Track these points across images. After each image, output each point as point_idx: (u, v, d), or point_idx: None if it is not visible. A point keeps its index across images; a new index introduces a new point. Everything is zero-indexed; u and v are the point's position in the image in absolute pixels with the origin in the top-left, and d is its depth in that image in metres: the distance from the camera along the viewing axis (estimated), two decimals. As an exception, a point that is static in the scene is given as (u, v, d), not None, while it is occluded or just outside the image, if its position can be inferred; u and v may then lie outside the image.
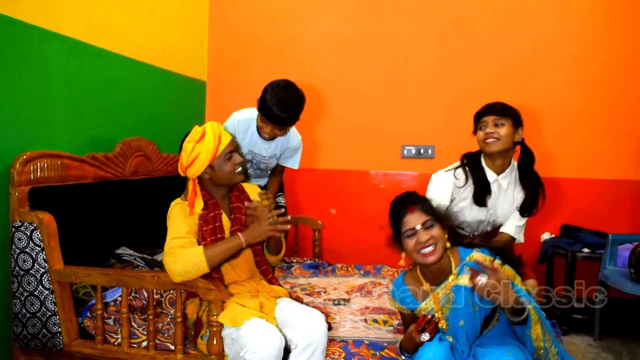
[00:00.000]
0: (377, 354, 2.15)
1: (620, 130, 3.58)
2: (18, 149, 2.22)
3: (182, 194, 2.13)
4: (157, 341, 2.14)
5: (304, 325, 1.96)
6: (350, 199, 3.98)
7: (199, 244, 2.00)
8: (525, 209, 2.46)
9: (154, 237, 2.73)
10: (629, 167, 3.59)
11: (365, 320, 2.55)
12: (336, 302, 2.85)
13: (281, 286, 2.27)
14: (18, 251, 2.13)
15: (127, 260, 2.66)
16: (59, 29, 2.50)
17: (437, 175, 2.54)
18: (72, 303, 2.20)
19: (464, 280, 1.81)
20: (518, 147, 2.46)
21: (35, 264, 2.12)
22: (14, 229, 2.14)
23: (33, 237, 2.12)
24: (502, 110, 2.35)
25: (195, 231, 2.04)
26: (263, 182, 2.80)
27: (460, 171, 2.47)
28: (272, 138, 2.53)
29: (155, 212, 2.48)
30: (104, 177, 2.65)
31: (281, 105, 2.31)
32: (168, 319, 2.35)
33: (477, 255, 1.88)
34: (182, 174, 2.08)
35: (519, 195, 2.47)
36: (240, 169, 2.10)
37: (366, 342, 2.25)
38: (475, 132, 2.44)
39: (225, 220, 2.14)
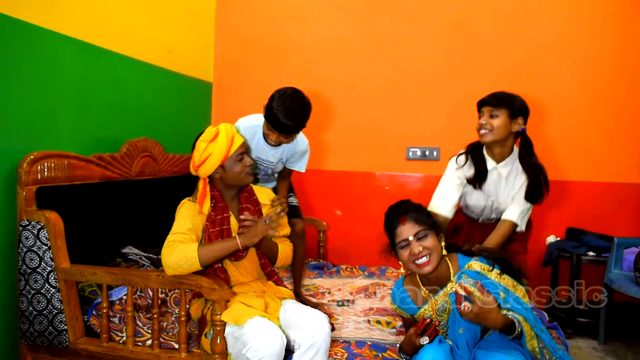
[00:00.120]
0: (380, 355, 2.16)
1: (627, 133, 3.57)
2: (25, 149, 2.24)
3: (192, 195, 2.16)
4: (161, 340, 2.16)
5: (307, 325, 1.98)
6: (355, 200, 3.99)
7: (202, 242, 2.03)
8: (531, 196, 2.44)
9: (159, 237, 2.72)
10: (635, 170, 3.58)
11: (369, 321, 2.56)
12: (340, 303, 2.86)
13: (286, 288, 2.29)
14: (25, 250, 2.16)
15: (133, 259, 2.68)
16: (66, 31, 2.53)
17: (448, 165, 2.60)
18: (78, 301, 2.23)
19: (467, 283, 1.81)
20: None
21: (42, 263, 2.15)
22: (21, 228, 2.17)
23: (40, 236, 2.15)
24: (497, 101, 2.36)
25: (199, 230, 2.07)
26: (270, 185, 2.80)
27: (462, 157, 2.54)
28: (278, 144, 2.54)
29: (161, 212, 2.50)
30: (110, 177, 2.67)
31: (287, 114, 2.31)
32: (173, 318, 2.37)
33: (475, 264, 1.86)
34: (193, 173, 2.12)
35: (520, 184, 2.46)
36: (250, 170, 2.14)
37: (369, 343, 2.26)
38: None
39: (234, 222, 2.17)
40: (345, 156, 3.99)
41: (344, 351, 2.17)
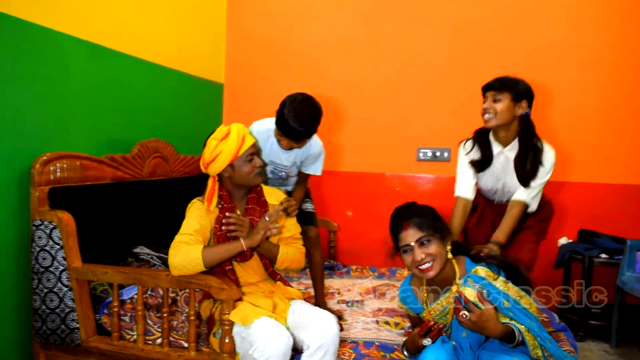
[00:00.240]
0: (387, 355, 2.16)
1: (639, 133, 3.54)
2: (38, 150, 2.28)
3: (203, 194, 2.18)
4: (171, 338, 2.18)
5: (316, 326, 1.99)
6: (366, 201, 4.00)
7: (211, 244, 2.06)
8: (517, 170, 2.43)
9: (171, 237, 2.74)
10: (648, 171, 3.54)
11: (377, 322, 2.57)
12: (350, 304, 2.87)
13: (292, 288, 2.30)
14: (38, 249, 2.20)
15: (144, 259, 2.71)
16: (78, 34, 2.57)
17: (459, 150, 2.62)
18: (89, 300, 2.26)
19: (468, 292, 1.80)
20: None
21: (55, 262, 2.19)
22: (34, 228, 2.21)
23: (52, 235, 2.18)
24: (500, 85, 2.36)
25: (207, 230, 2.10)
26: (284, 190, 2.79)
27: (469, 142, 2.56)
28: (291, 148, 2.54)
29: (172, 212, 2.53)
30: (122, 177, 2.70)
31: (297, 120, 2.29)
32: (183, 317, 2.39)
33: (482, 270, 1.85)
34: (203, 170, 2.15)
35: (529, 168, 2.43)
36: (259, 171, 2.16)
37: (377, 343, 2.27)
38: None
39: None
40: (356, 157, 4.00)
41: (351, 351, 2.18)
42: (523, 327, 1.75)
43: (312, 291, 2.97)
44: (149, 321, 2.28)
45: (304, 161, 2.63)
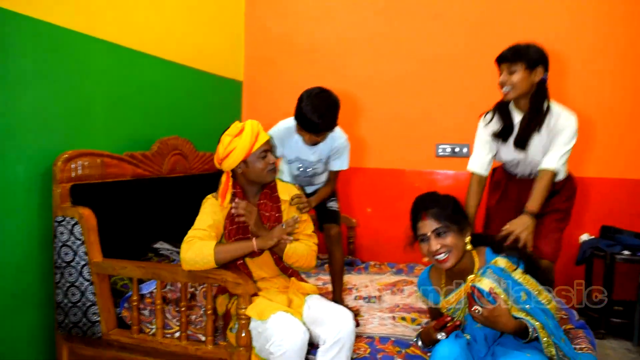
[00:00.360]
0: (403, 351, 2.16)
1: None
2: (60, 148, 2.34)
3: (217, 190, 2.21)
4: (189, 332, 2.22)
5: (332, 322, 2.00)
6: (385, 197, 3.99)
7: (221, 241, 2.10)
8: (518, 132, 2.40)
9: (190, 233, 2.82)
10: (673, 166, 3.47)
11: (394, 317, 2.57)
12: (367, 300, 2.88)
13: (305, 282, 2.32)
14: (60, 244, 2.26)
15: (164, 254, 2.77)
16: (98, 34, 2.62)
17: (478, 125, 2.58)
18: (110, 294, 2.31)
19: (485, 283, 1.80)
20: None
21: (76, 257, 2.24)
22: (56, 224, 2.26)
23: (74, 231, 2.24)
24: (513, 56, 2.31)
25: (220, 226, 2.13)
26: (311, 190, 2.78)
27: (489, 114, 2.51)
28: (314, 143, 2.55)
29: (192, 208, 2.55)
30: (142, 174, 2.76)
31: (315, 112, 2.31)
32: (201, 312, 2.43)
33: (501, 261, 1.84)
34: (217, 166, 2.17)
35: (550, 135, 2.39)
36: (272, 168, 2.17)
37: (392, 339, 2.27)
38: None
39: None
40: (375, 153, 4.00)
41: (367, 346, 2.19)
42: (538, 323, 1.74)
43: (330, 287, 2.99)
44: (168, 315, 2.33)
45: (331, 156, 2.62)
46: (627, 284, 3.29)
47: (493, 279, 1.79)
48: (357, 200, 4.03)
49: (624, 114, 3.52)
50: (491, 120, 2.49)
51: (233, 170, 2.16)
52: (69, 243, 2.25)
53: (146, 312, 2.33)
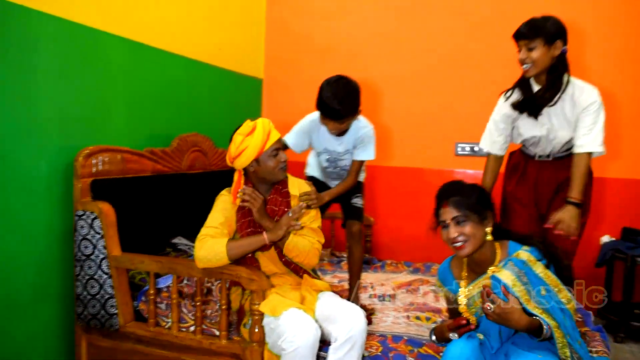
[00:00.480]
0: (415, 350, 2.16)
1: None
2: (82, 144, 2.39)
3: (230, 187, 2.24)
4: (204, 326, 2.25)
5: (344, 319, 2.01)
6: (403, 195, 3.99)
7: (235, 236, 2.13)
8: (533, 102, 2.37)
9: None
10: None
11: (408, 317, 2.57)
12: (381, 298, 2.88)
13: (319, 279, 2.32)
14: (80, 238, 2.31)
15: (182, 249, 2.81)
16: (120, 32, 2.67)
17: (497, 103, 2.57)
18: (128, 287, 2.36)
19: (505, 274, 1.79)
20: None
21: (96, 250, 2.29)
22: (77, 218, 2.32)
23: (94, 225, 2.29)
24: (530, 32, 2.28)
25: (232, 222, 2.16)
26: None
27: (510, 90, 2.50)
28: (340, 133, 2.56)
29: (210, 204, 2.59)
30: (162, 170, 2.80)
31: (335, 98, 2.33)
32: (217, 307, 2.47)
33: (524, 254, 1.84)
34: (229, 164, 2.20)
35: (574, 110, 2.35)
36: (284, 166, 2.19)
37: (405, 338, 2.27)
38: None
39: None
40: (393, 152, 3.99)
41: (379, 344, 2.19)
42: (554, 322, 1.72)
43: (345, 284, 3.00)
44: (184, 309, 2.36)
45: (356, 146, 2.61)
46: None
47: (513, 272, 1.79)
48: (375, 199, 4.03)
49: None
50: (511, 93, 2.48)
51: (245, 169, 2.18)
52: (88, 237, 2.30)
53: (162, 306, 2.37)
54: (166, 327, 2.29)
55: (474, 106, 3.77)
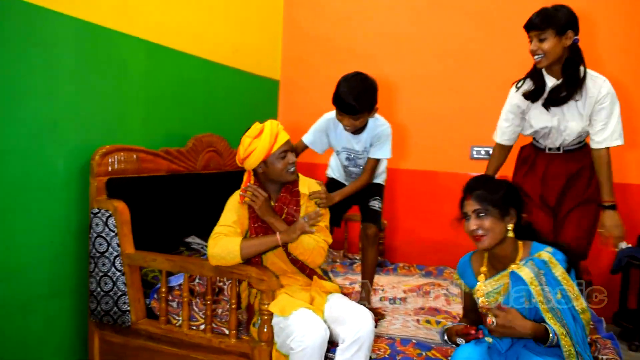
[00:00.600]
0: (423, 354, 2.16)
1: None
2: (98, 143, 2.44)
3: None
4: (214, 325, 2.28)
5: (352, 321, 2.02)
6: (417, 198, 3.98)
7: (246, 235, 2.17)
8: (549, 94, 2.36)
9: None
10: None
11: (418, 320, 2.57)
12: (392, 301, 2.88)
13: (327, 281, 2.33)
14: (95, 235, 2.36)
15: (195, 248, 2.84)
16: (137, 33, 2.72)
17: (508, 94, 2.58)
18: (140, 285, 2.40)
19: (525, 272, 1.80)
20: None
21: (110, 248, 2.34)
22: (92, 215, 2.36)
23: (108, 223, 2.33)
24: (541, 23, 2.27)
25: (245, 221, 2.19)
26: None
27: (521, 80, 2.50)
28: (356, 131, 2.56)
29: (224, 204, 2.63)
30: (177, 170, 2.84)
31: (350, 93, 2.34)
32: (228, 306, 2.49)
33: (546, 255, 1.83)
34: (239, 165, 2.23)
35: (587, 102, 2.34)
36: (293, 168, 2.21)
37: (414, 341, 2.27)
38: None
39: None
40: (408, 154, 3.98)
41: (387, 347, 2.20)
42: (562, 330, 1.71)
43: (356, 287, 3.01)
44: (195, 308, 2.39)
45: (373, 143, 2.60)
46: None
47: (533, 271, 1.80)
48: (388, 201, 4.02)
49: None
50: (523, 83, 2.48)
51: (254, 169, 2.21)
52: (103, 234, 2.34)
53: (174, 304, 2.40)
54: (177, 324, 2.32)
55: (489, 109, 3.72)
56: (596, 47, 3.43)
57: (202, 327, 2.28)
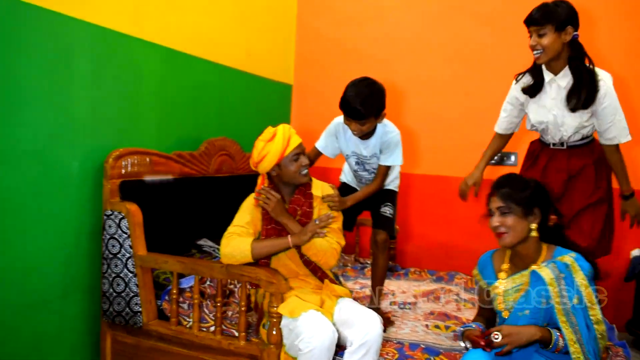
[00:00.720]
0: (432, 358, 2.16)
1: None
2: (112, 146, 2.48)
3: None
4: (224, 327, 2.30)
5: (360, 324, 2.03)
6: (428, 203, 3.97)
7: (258, 236, 2.22)
8: (571, 101, 2.34)
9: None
10: None
11: (427, 325, 2.57)
12: (402, 306, 2.88)
13: (338, 285, 2.34)
14: (108, 237, 2.39)
15: (207, 251, 2.87)
16: (152, 39, 2.76)
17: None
18: (152, 286, 2.43)
19: (545, 272, 1.81)
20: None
21: (122, 249, 2.37)
22: (105, 217, 2.40)
23: (121, 225, 2.37)
24: (542, 18, 2.27)
25: (258, 223, 2.24)
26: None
27: (521, 75, 2.54)
28: (364, 136, 2.56)
29: (236, 207, 2.66)
30: (189, 173, 2.87)
31: (357, 98, 2.35)
32: (238, 308, 2.51)
33: (569, 259, 1.84)
34: (253, 168, 2.27)
35: (583, 97, 2.33)
36: (305, 170, 2.23)
37: (422, 346, 2.27)
38: None
39: None
40: (419, 159, 3.98)
41: (395, 352, 2.20)
42: (573, 336, 1.71)
43: (367, 291, 3.01)
44: (205, 310, 2.42)
45: (383, 150, 2.60)
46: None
47: (554, 272, 1.80)
48: (400, 206, 4.02)
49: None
50: (522, 77, 2.52)
51: (268, 173, 2.24)
52: (116, 236, 2.38)
53: (185, 306, 2.43)
54: (187, 326, 2.34)
55: (502, 115, 3.74)
56: (597, 43, 3.39)
57: (212, 328, 2.31)
